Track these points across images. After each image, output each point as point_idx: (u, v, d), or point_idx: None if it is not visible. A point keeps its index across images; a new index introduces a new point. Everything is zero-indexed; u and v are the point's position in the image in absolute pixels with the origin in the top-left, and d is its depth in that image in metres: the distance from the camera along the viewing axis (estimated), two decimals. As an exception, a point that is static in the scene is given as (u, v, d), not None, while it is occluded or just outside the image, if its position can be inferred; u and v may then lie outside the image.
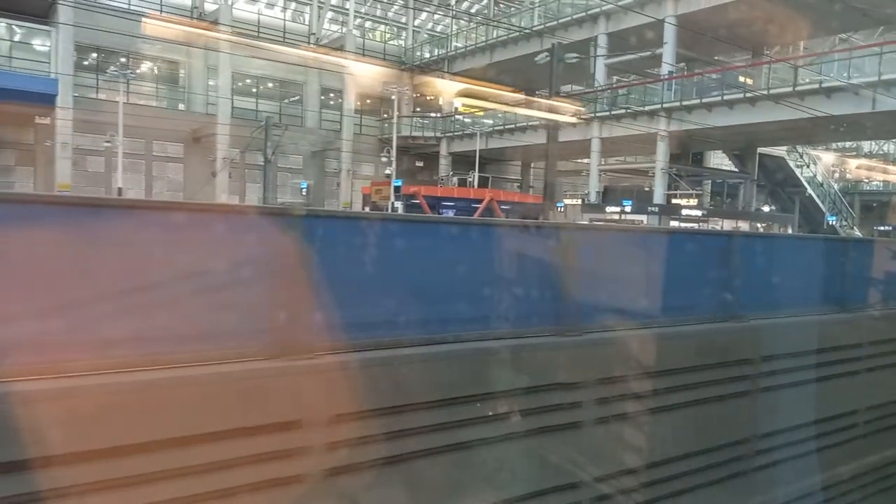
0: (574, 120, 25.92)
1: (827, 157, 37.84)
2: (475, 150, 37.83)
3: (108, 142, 26.77)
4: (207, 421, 3.11)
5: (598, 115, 28.68)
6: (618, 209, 27.64)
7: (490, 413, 4.04)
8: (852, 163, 41.48)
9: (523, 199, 30.21)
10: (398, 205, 24.35)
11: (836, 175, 41.83)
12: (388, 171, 26.88)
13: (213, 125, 33.82)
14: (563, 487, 4.38)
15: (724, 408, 5.44)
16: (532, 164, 44.16)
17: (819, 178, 35.96)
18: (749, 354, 5.70)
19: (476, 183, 29.82)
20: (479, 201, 25.61)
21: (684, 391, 5.10)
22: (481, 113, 39.74)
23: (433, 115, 41.83)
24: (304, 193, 32.27)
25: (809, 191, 35.11)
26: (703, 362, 5.31)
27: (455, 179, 31.12)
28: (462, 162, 40.97)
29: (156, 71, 35.05)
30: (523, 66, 36.33)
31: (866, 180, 45.77)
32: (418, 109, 43.34)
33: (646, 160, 39.46)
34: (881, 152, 45.75)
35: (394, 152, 27.39)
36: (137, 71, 33.72)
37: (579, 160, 47.60)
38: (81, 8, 26.99)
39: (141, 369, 3.06)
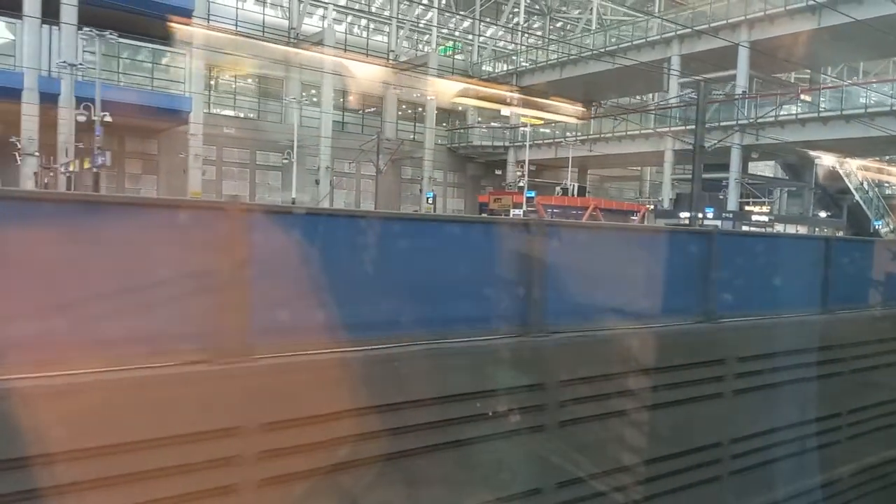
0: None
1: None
2: (542, 158, 40.84)
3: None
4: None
5: (673, 129, 31.57)
6: (689, 215, 30.43)
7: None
8: (853, 164, 43.78)
9: (619, 206, 33.22)
10: (520, 212, 27.32)
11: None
12: (521, 184, 29.84)
13: (307, 136, 36.93)
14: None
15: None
16: (588, 171, 47.25)
17: (865, 186, 38.75)
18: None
19: (576, 192, 32.81)
20: (580, 207, 28.52)
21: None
22: (540, 122, 42.79)
23: (495, 125, 44.88)
24: (429, 202, 35.18)
25: (857, 197, 37.91)
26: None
27: (558, 189, 34.10)
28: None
29: (256, 86, 38.09)
30: (586, 81, 39.47)
31: (886, 184, 48.51)
32: (480, 120, 46.34)
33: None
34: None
35: (526, 167, 30.38)
36: (240, 86, 36.78)
37: (632, 167, 50.74)
38: (213, 30, 29.97)
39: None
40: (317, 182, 34.00)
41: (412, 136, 42.81)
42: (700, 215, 28.99)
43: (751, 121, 28.23)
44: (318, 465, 3.45)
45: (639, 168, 51.11)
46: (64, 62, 19.92)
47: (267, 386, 3.37)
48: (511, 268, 4.55)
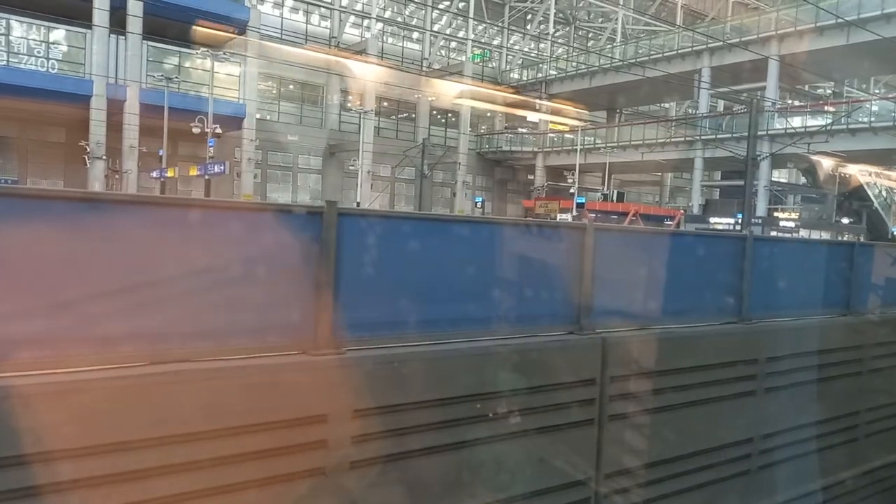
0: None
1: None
2: (569, 164, 42.19)
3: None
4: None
5: (703, 138, 32.94)
6: (720, 220, 31.82)
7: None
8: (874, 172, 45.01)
9: (657, 211, 34.68)
10: (567, 216, 28.76)
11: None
12: (571, 191, 31.28)
13: (346, 141, 38.31)
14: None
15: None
16: (613, 176, 48.64)
17: (884, 194, 40.10)
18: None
19: (615, 197, 34.23)
20: (621, 212, 29.92)
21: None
22: (567, 128, 44.23)
23: (522, 130, 46.33)
24: (478, 206, 36.54)
25: (875, 204, 39.27)
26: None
27: (600, 195, 35.56)
28: (549, 173, 45.53)
29: (298, 92, 39.45)
30: (615, 90, 40.88)
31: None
32: (507, 126, 47.76)
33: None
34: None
35: (577, 175, 31.74)
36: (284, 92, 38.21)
37: (654, 173, 52.08)
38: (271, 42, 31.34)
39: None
40: (359, 185, 35.33)
41: (443, 141, 44.16)
42: (732, 220, 30.43)
43: (789, 130, 29.59)
44: None
45: (659, 173, 52.48)
46: (161, 75, 21.25)
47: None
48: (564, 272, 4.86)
